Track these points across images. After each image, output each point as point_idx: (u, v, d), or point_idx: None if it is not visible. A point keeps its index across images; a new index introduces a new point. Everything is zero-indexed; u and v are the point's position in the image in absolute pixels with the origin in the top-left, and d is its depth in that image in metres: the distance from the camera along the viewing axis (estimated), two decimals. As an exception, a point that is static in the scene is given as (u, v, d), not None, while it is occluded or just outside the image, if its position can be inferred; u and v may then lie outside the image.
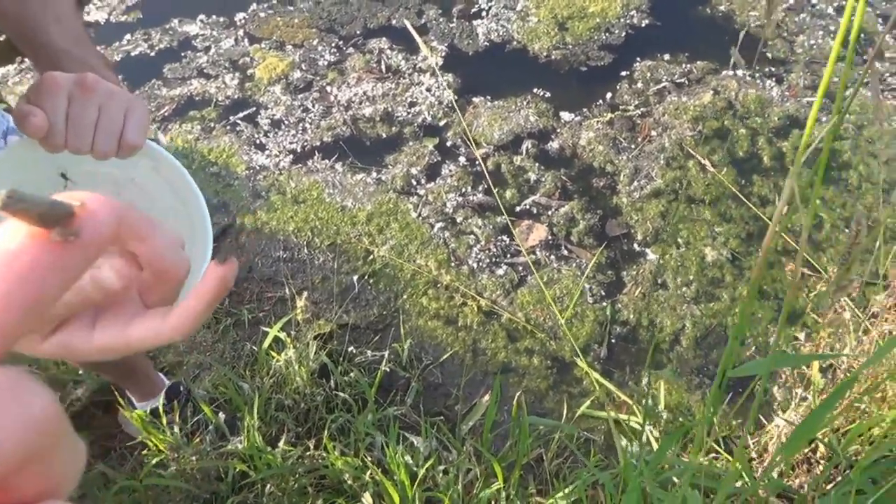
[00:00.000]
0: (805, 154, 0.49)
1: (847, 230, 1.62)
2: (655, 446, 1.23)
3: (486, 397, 1.35)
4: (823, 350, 1.22)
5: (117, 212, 0.44)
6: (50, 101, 0.62)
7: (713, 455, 1.24)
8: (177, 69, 2.07)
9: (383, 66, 2.03)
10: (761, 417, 1.33)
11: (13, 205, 0.21)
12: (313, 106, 1.95)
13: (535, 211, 1.70)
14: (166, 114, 1.96)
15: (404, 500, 1.12)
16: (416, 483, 1.14)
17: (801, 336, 1.40)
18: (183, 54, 2.11)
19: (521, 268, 1.60)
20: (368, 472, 1.18)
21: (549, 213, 1.70)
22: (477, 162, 1.79)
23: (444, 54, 2.04)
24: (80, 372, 1.40)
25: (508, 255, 1.63)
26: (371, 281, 1.59)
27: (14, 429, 0.20)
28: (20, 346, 0.46)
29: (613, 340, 1.50)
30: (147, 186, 0.76)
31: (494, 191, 1.71)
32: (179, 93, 2.01)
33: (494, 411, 1.19)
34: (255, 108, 1.96)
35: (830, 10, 2.10)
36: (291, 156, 1.85)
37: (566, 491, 1.08)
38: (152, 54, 2.12)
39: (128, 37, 2.17)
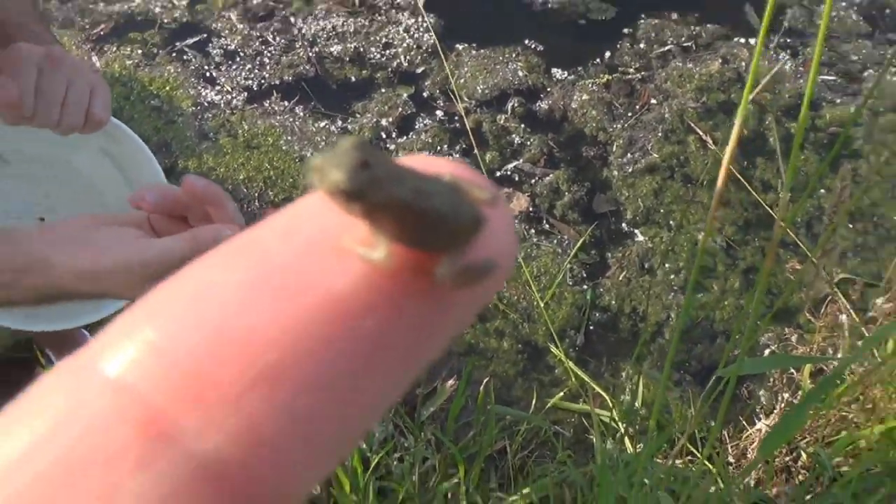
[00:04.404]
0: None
1: (850, 225, 1.69)
2: (629, 444, 1.28)
3: (451, 381, 1.39)
4: (816, 354, 1.28)
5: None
6: (20, 72, 0.68)
7: (689, 458, 1.30)
8: (117, -19, 2.02)
9: (357, -1, 2.02)
10: (742, 421, 1.39)
11: (371, 186, 0.13)
12: (274, 38, 1.93)
13: (516, 178, 1.73)
14: (102, 32, 1.92)
15: (355, 487, 1.15)
16: (370, 470, 1.18)
17: (794, 338, 1.47)
18: (125, -36, 2.06)
19: (496, 240, 1.63)
20: (316, 455, 1.21)
21: (533, 181, 1.72)
22: (457, 118, 1.80)
23: (426, -9, 2.03)
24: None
25: (484, 226, 1.65)
26: (329, 243, 1.60)
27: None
28: (128, 292, 0.59)
29: (591, 327, 1.55)
30: (87, 169, 0.82)
31: (475, 152, 1.73)
32: (119, 10, 1.96)
33: (462, 399, 1.23)
34: (205, 35, 1.93)
35: (856, -20, 2.14)
36: (245, 94, 1.83)
37: (533, 486, 1.13)
38: (88, -39, 2.06)
39: (60, -63, 2.10)
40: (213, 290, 0.13)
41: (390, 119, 1.80)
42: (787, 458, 1.31)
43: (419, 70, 1.89)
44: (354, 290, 0.13)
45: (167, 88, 1.83)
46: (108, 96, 0.74)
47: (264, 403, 0.12)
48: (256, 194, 1.67)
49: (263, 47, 1.92)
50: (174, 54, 1.89)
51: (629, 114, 1.85)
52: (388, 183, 0.13)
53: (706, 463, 1.27)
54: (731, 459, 1.35)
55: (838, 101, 1.90)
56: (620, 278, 1.61)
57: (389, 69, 1.89)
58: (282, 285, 0.13)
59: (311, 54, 1.90)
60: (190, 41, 1.92)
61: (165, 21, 1.95)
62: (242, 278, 0.13)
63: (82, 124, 0.72)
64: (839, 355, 1.28)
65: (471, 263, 0.14)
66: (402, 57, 1.91)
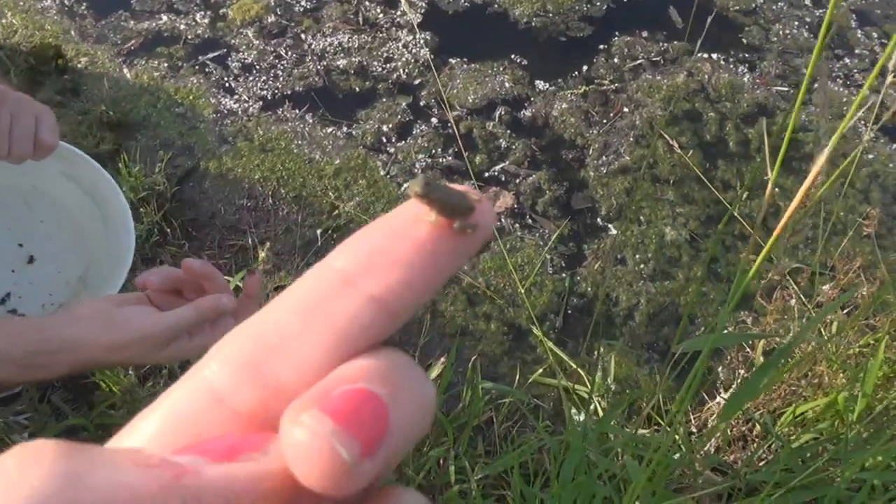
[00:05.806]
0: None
1: (804, 220, 1.68)
2: (601, 413, 1.27)
3: (442, 359, 1.38)
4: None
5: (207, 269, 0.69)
6: None
7: (656, 427, 1.30)
8: (146, 1, 2.00)
9: (360, 18, 2.00)
10: (704, 395, 1.39)
11: (430, 193, 0.24)
12: (286, 53, 1.91)
13: (503, 178, 1.72)
14: (132, 47, 1.90)
15: (355, 453, 1.14)
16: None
17: (749, 320, 1.46)
18: (153, -14, 2.04)
19: (485, 234, 1.62)
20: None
21: (517, 181, 1.71)
22: (449, 124, 1.78)
23: (423, 11, 2.01)
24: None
25: (473, 221, 1.64)
26: (335, 236, 1.59)
27: (414, 417, 0.21)
28: (145, 359, 0.63)
29: (569, 311, 1.54)
30: (52, 191, 0.81)
31: (465, 155, 1.72)
32: (147, 27, 1.95)
33: (451, 374, 1.22)
34: (225, 50, 1.92)
35: (807, 1, 2.13)
36: (261, 102, 1.82)
37: (515, 452, 1.12)
38: (120, -17, 2.04)
39: (95, -38, 2.08)
40: (369, 234, 0.23)
41: (390, 125, 1.79)
42: (744, 428, 1.30)
43: (416, 82, 1.88)
44: (426, 233, 0.23)
45: (190, 97, 1.81)
46: (53, 122, 0.72)
47: (395, 275, 0.22)
48: (270, 192, 1.65)
49: (277, 61, 1.90)
50: (197, 67, 1.88)
51: (604, 121, 1.84)
52: (437, 193, 0.24)
53: (669, 429, 1.27)
54: (693, 429, 1.34)
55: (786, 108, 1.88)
56: (595, 268, 1.60)
57: (390, 81, 1.88)
58: (397, 233, 0.23)
59: (319, 67, 1.89)
60: (211, 55, 1.90)
61: (189, 37, 1.93)
62: (383, 228, 0.23)
63: (32, 151, 0.71)
64: (790, 335, 1.27)
65: (468, 222, 0.24)
66: (400, 70, 1.89)
